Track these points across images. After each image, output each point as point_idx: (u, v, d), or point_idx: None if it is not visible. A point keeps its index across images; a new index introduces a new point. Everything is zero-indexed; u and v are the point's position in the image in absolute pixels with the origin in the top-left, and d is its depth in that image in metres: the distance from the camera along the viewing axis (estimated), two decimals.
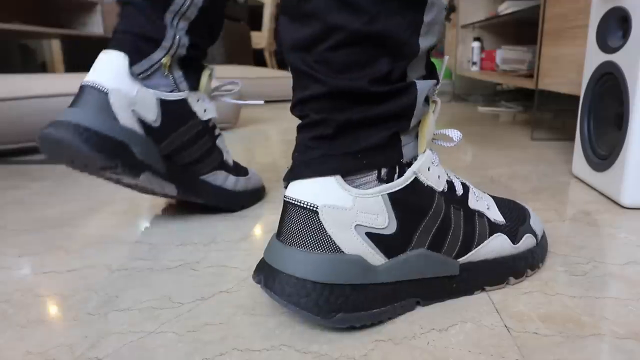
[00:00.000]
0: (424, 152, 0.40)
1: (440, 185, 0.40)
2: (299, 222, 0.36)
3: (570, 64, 1.01)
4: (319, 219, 0.36)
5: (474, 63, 2.14)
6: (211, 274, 0.47)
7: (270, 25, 3.59)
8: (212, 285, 0.45)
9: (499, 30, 2.19)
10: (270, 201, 0.72)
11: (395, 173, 0.38)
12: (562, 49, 1.05)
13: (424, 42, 0.37)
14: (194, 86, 0.62)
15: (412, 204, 0.38)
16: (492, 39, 2.20)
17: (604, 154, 0.71)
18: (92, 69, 0.55)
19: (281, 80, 2.33)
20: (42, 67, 2.64)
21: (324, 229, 0.36)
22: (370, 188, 0.37)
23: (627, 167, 0.64)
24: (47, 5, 2.44)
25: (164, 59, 0.58)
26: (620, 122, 0.66)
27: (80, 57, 2.57)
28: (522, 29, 2.10)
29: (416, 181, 0.38)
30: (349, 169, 0.37)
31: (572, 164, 0.85)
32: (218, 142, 0.66)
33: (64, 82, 1.13)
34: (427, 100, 0.40)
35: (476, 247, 0.42)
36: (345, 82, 0.35)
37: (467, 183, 0.45)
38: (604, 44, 0.70)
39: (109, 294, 0.44)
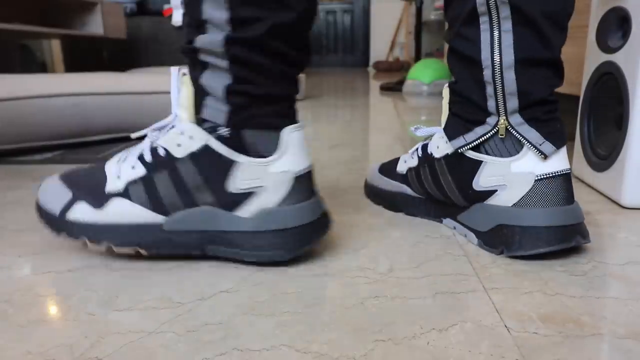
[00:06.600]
0: None
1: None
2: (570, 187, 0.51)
3: (570, 64, 1.00)
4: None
5: None
6: (211, 274, 0.47)
7: None
8: (212, 285, 0.45)
9: None
10: None
11: None
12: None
13: None
14: None
15: None
16: None
17: (604, 154, 0.71)
18: None
19: None
20: (42, 67, 2.63)
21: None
22: None
23: (627, 167, 0.64)
24: (47, 5, 2.44)
25: None
26: (620, 122, 0.66)
27: (80, 57, 2.57)
28: None
29: None
30: None
31: (572, 164, 0.85)
32: None
33: (64, 82, 1.13)
34: None
35: None
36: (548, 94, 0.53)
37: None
38: (604, 44, 0.70)
39: (109, 294, 0.44)
